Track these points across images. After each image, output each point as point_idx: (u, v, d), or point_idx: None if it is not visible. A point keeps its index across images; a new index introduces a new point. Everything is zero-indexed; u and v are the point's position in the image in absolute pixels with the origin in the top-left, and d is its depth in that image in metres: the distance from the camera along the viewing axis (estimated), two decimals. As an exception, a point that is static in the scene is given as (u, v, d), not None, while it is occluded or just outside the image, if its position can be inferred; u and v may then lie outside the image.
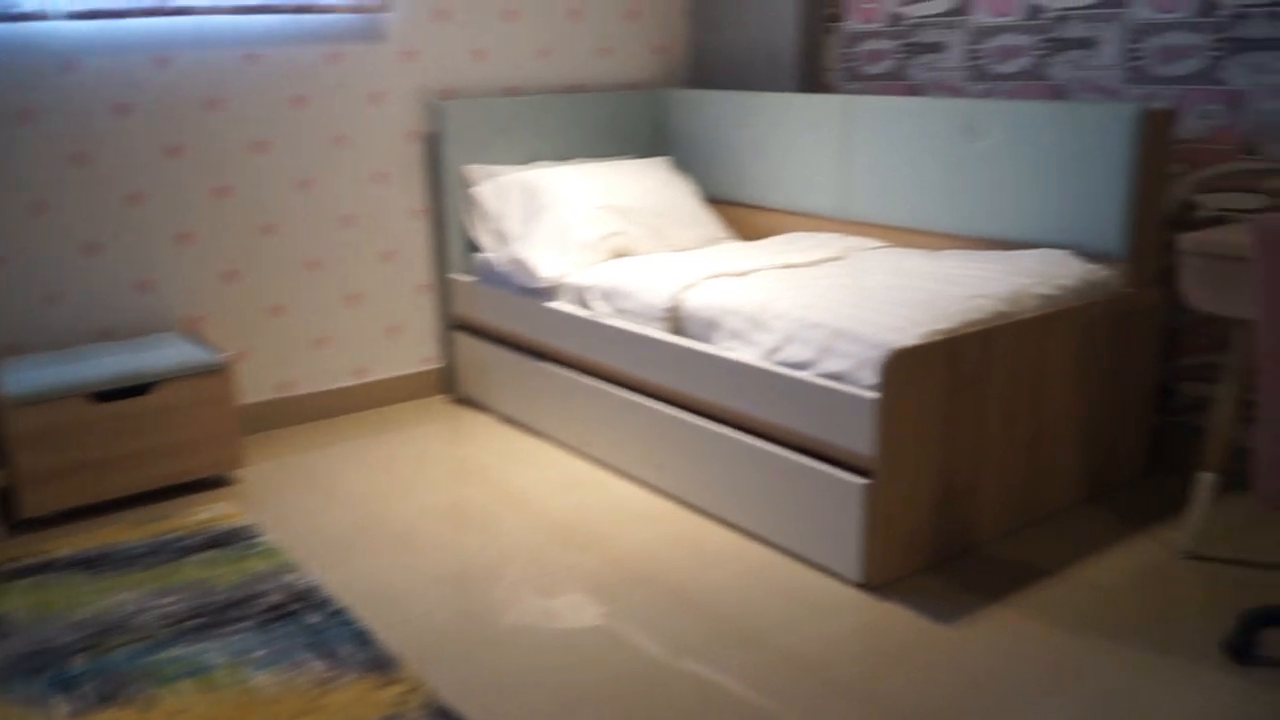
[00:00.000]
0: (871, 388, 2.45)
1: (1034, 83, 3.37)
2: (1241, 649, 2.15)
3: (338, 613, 2.42)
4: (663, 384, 3.01)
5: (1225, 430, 2.54)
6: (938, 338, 2.47)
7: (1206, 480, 2.57)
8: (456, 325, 3.96)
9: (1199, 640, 2.25)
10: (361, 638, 2.32)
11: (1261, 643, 2.19)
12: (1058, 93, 3.31)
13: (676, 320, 3.03)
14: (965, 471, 2.61)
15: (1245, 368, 2.49)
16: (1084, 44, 3.22)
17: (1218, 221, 2.99)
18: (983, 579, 2.54)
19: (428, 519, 2.95)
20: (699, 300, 2.98)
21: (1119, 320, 2.87)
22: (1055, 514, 2.88)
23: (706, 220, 3.86)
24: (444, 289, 3.98)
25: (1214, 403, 2.93)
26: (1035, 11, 3.32)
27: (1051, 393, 2.75)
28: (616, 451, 3.22)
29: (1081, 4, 3.19)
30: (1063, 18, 3.25)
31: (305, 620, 2.40)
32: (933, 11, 3.61)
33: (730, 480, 2.81)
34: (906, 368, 2.40)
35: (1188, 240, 2.43)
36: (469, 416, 3.81)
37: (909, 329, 2.49)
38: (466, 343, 3.89)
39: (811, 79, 4.00)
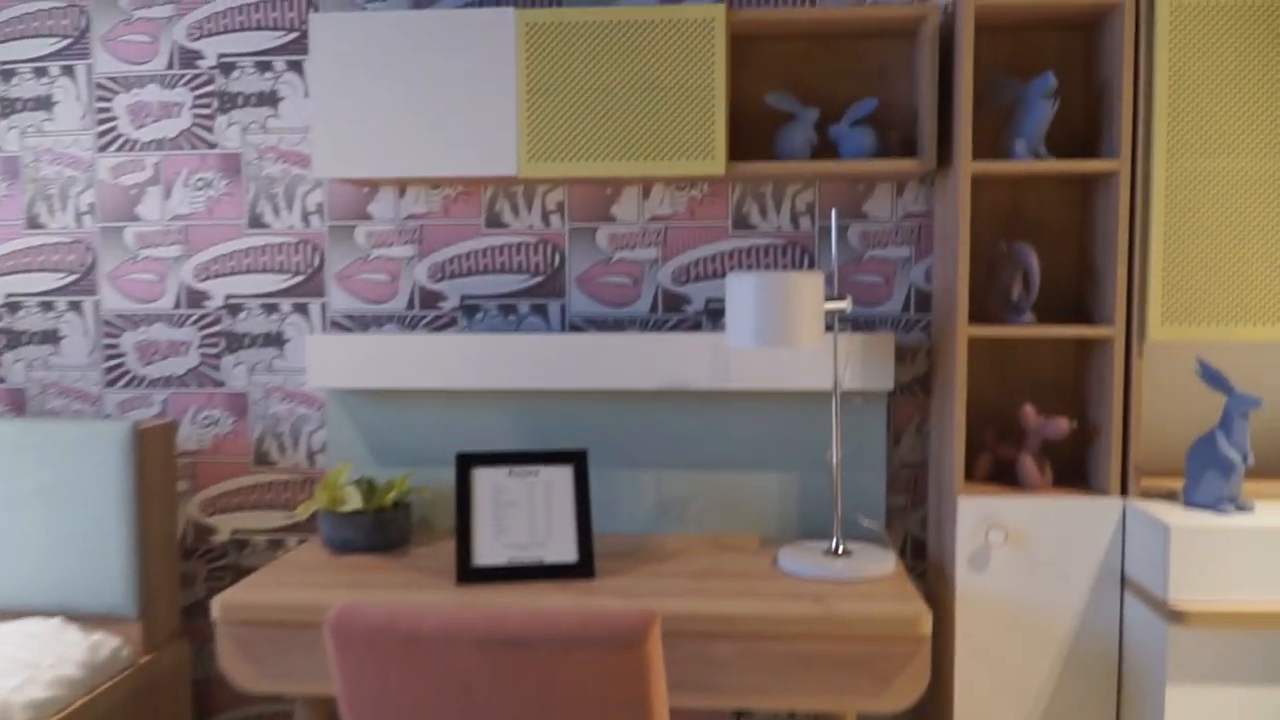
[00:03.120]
0: None
1: (-17, 385, 2.59)
2: None
3: None
4: None
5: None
6: None
7: None
8: None
9: None
10: None
11: None
12: (18, 399, 2.58)
13: None
14: None
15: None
16: (47, 338, 2.56)
17: (239, 547, 2.54)
18: None
19: None
20: None
21: (141, 698, 2.21)
22: None
23: None
24: None
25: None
26: (-26, 297, 2.57)
27: (62, 830, 1.96)
28: None
29: (40, 289, 2.54)
30: (13, 305, 2.56)
31: None
32: None
33: None
34: None
35: (223, 605, 1.91)
36: None
37: None
38: None
39: None
